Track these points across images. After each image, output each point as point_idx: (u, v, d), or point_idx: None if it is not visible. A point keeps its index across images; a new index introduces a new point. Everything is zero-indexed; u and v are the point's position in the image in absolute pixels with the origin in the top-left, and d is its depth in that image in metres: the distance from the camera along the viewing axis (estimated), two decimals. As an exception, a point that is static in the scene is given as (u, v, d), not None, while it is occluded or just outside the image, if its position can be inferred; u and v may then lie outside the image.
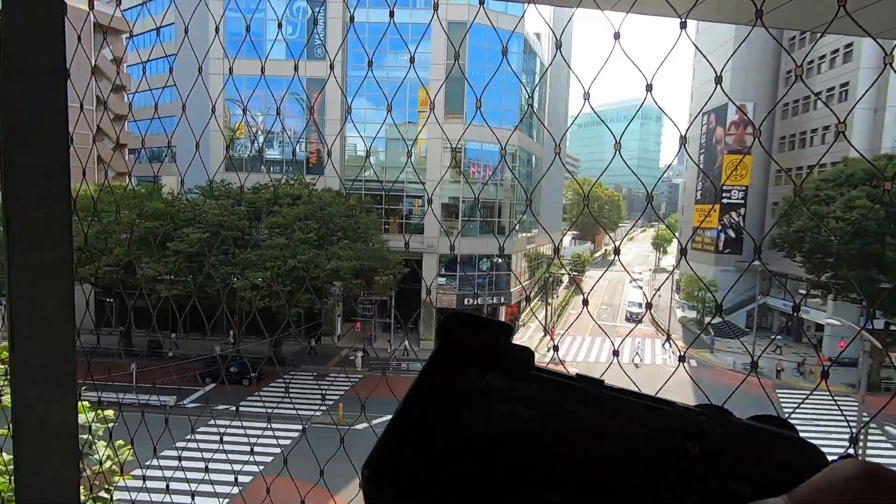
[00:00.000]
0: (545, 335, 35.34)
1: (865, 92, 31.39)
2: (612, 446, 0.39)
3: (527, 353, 0.42)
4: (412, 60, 1.61)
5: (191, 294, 24.30)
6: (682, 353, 1.14)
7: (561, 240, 37.78)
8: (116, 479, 4.14)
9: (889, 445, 21.56)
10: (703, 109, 41.49)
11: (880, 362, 26.50)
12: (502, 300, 35.20)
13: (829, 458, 0.36)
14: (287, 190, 26.77)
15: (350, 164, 33.65)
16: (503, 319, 8.48)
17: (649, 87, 1.29)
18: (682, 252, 1.31)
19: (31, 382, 1.07)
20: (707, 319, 37.99)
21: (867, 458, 0.34)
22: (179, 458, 2.30)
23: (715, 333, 36.16)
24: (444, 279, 33.86)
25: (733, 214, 41.54)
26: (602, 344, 34.85)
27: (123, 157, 35.33)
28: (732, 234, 41.68)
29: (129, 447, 4.23)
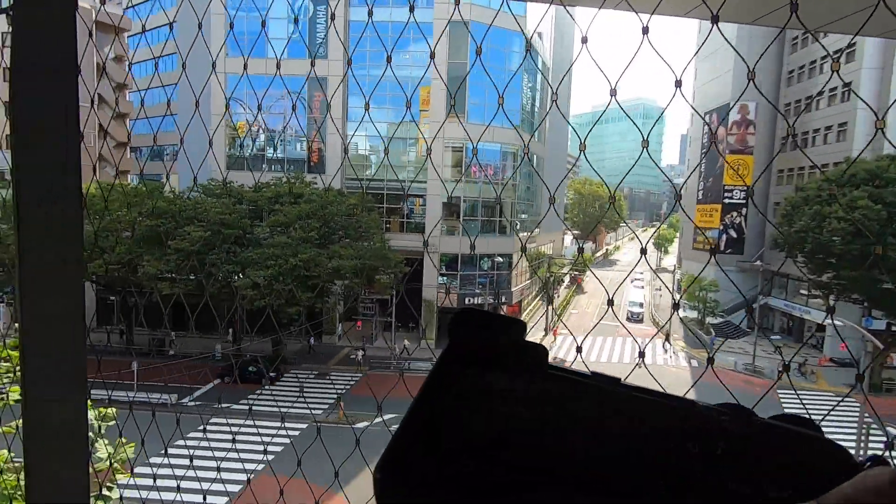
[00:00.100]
0: (545, 334, 35.35)
1: None
2: (630, 445, 0.38)
3: (540, 351, 0.42)
4: (433, 55, 1.60)
5: (191, 292, 24.34)
6: (711, 355, 1.13)
7: (562, 239, 37.82)
8: (118, 476, 4.14)
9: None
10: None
11: (881, 363, 26.49)
12: (503, 299, 35.21)
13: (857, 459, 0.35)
14: (289, 188, 26.76)
15: (353, 164, 33.63)
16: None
17: (678, 84, 1.25)
18: (712, 253, 1.30)
19: (41, 382, 1.07)
20: (708, 320, 37.97)
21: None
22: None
23: (716, 333, 36.14)
24: (445, 279, 33.88)
25: (734, 214, 41.51)
26: (602, 344, 34.82)
27: (123, 157, 35.36)
28: (734, 234, 41.64)
29: (131, 444, 4.22)
